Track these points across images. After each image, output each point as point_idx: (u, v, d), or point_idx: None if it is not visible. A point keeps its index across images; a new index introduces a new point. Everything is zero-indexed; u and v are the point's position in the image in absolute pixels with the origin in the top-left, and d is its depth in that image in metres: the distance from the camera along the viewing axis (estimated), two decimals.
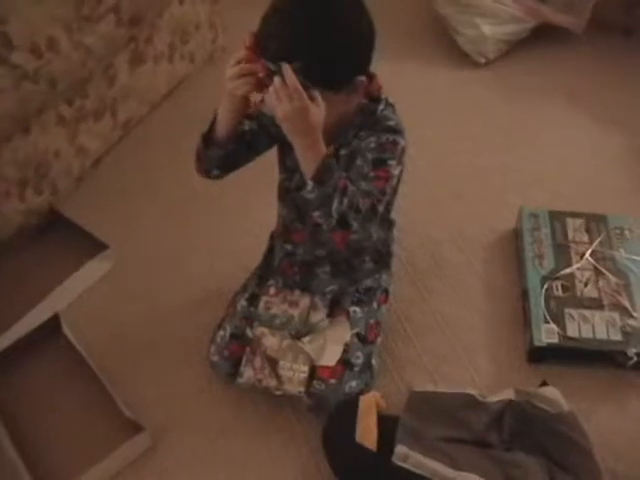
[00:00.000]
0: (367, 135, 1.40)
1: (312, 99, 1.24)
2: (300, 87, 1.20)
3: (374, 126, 1.41)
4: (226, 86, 1.31)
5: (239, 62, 1.27)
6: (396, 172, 1.39)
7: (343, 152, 1.41)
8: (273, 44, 1.24)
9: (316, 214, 1.31)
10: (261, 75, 1.24)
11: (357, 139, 1.42)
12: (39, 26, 1.85)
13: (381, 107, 1.43)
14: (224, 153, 1.46)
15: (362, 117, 1.42)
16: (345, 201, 1.27)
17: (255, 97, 1.33)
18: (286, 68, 1.20)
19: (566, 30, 2.53)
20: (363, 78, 1.32)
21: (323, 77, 1.25)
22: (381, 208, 1.35)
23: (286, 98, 1.21)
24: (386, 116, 1.42)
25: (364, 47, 1.31)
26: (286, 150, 1.49)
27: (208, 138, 1.45)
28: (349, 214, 1.29)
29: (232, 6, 2.71)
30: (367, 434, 1.43)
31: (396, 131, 1.41)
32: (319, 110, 1.25)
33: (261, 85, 1.27)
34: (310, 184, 1.28)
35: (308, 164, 1.28)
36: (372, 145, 1.39)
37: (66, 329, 1.77)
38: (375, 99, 1.42)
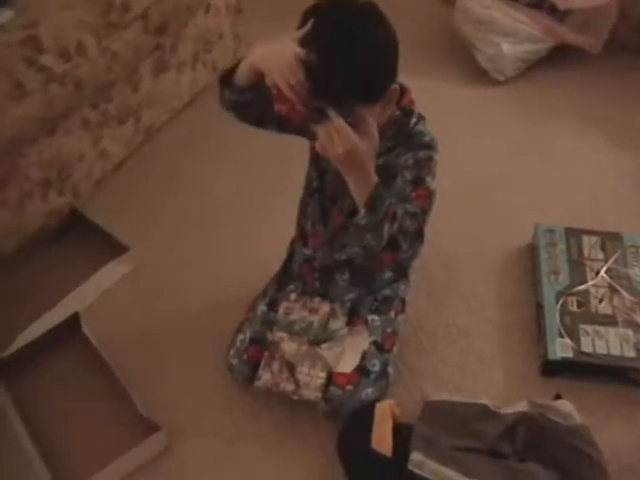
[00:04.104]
0: (404, 152, 1.45)
1: (365, 133, 1.27)
2: (348, 129, 1.24)
3: (409, 141, 1.46)
4: (271, 57, 1.29)
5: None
6: (433, 186, 1.44)
7: (376, 162, 1.42)
8: (336, 84, 1.25)
9: (368, 237, 1.35)
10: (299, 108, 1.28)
11: (392, 152, 1.46)
12: (68, 30, 1.89)
13: (414, 120, 1.47)
14: (239, 99, 1.45)
15: (395, 129, 1.46)
16: (395, 225, 1.33)
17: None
18: (332, 113, 1.24)
19: (583, 50, 2.56)
20: (395, 86, 1.37)
21: (363, 94, 1.30)
22: (426, 227, 1.41)
23: (337, 142, 1.24)
24: (421, 132, 1.47)
25: (394, 57, 1.34)
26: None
27: (227, 78, 1.44)
28: (399, 237, 1.35)
29: (254, 17, 2.75)
30: (382, 440, 1.45)
31: (431, 147, 1.46)
32: (369, 144, 1.28)
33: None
34: (362, 212, 1.32)
35: (360, 194, 1.32)
36: (410, 162, 1.44)
37: (86, 329, 1.79)
38: (407, 112, 1.47)
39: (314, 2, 1.32)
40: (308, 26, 1.28)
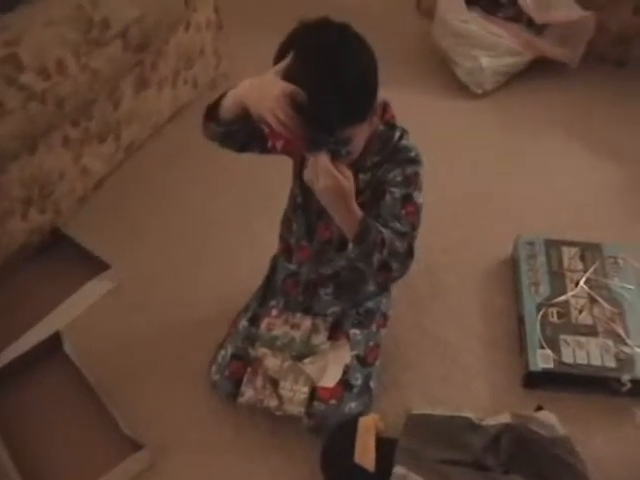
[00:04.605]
0: (391, 168, 1.47)
1: (342, 173, 1.30)
2: (330, 168, 1.27)
3: (395, 156, 1.48)
4: (266, 99, 1.27)
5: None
6: (420, 201, 1.46)
7: (362, 177, 1.47)
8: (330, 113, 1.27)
9: (359, 265, 1.40)
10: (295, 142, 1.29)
11: (379, 168, 1.48)
12: (49, 48, 1.89)
13: (398, 134, 1.49)
14: (226, 131, 1.46)
15: (380, 143, 1.48)
16: (385, 251, 1.36)
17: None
18: (318, 153, 1.28)
19: (562, 63, 2.59)
20: (379, 100, 1.40)
21: (354, 118, 1.33)
22: (415, 243, 1.43)
23: (321, 177, 1.28)
24: (406, 147, 1.49)
25: (376, 75, 1.35)
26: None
27: (212, 112, 1.45)
28: (390, 260, 1.37)
29: (235, 33, 2.77)
30: (366, 455, 1.45)
31: (417, 162, 1.48)
32: (349, 181, 1.31)
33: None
34: (351, 246, 1.36)
35: (347, 229, 1.36)
36: (398, 179, 1.46)
37: (67, 347, 1.78)
38: (391, 126, 1.49)
39: (291, 32, 1.33)
40: (289, 59, 1.29)
